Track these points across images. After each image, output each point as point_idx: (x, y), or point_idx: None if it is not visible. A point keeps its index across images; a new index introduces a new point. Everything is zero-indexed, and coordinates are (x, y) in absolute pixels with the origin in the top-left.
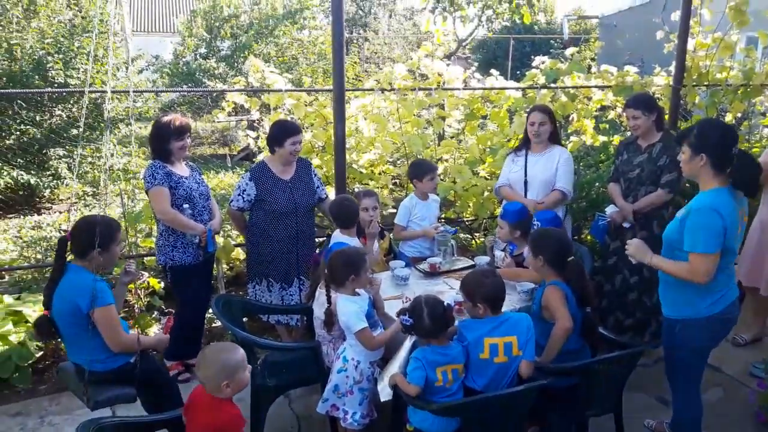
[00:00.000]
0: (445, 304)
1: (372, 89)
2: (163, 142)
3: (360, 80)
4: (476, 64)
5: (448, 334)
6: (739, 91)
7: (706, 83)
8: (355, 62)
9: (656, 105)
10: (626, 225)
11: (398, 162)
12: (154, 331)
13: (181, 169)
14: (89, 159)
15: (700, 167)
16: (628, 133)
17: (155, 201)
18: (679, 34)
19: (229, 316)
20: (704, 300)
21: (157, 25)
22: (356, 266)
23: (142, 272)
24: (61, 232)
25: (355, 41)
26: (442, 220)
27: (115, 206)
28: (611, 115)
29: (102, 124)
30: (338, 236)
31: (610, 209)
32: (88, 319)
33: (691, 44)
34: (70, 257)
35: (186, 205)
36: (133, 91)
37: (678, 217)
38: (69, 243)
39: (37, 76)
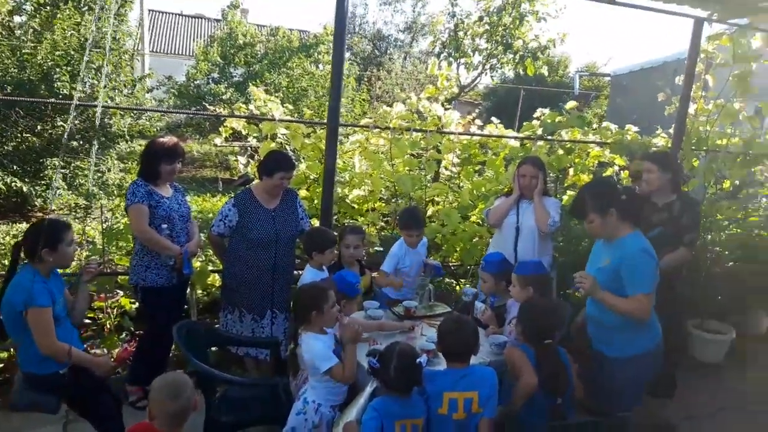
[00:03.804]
0: (418, 361)
1: (367, 126)
2: (152, 162)
3: (368, 117)
4: (478, 109)
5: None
6: (738, 159)
7: (705, 148)
8: (365, 99)
9: (672, 165)
10: None
11: (391, 201)
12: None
13: (164, 190)
14: (84, 171)
15: (614, 221)
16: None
17: (133, 218)
18: (681, 97)
19: (193, 344)
20: (647, 335)
21: (176, 48)
22: (318, 301)
23: (97, 259)
24: None
25: (367, 79)
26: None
27: (100, 222)
28: (608, 171)
29: (101, 139)
30: (309, 270)
31: None
32: (24, 318)
33: (692, 108)
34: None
35: (164, 225)
36: (125, 109)
37: (603, 267)
38: (22, 246)
39: (43, 86)
